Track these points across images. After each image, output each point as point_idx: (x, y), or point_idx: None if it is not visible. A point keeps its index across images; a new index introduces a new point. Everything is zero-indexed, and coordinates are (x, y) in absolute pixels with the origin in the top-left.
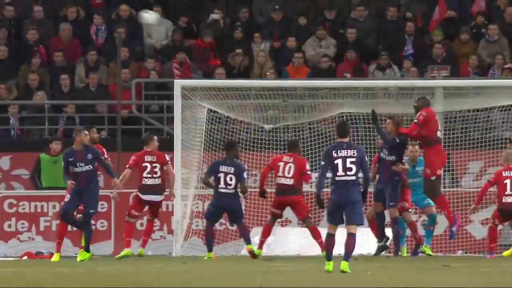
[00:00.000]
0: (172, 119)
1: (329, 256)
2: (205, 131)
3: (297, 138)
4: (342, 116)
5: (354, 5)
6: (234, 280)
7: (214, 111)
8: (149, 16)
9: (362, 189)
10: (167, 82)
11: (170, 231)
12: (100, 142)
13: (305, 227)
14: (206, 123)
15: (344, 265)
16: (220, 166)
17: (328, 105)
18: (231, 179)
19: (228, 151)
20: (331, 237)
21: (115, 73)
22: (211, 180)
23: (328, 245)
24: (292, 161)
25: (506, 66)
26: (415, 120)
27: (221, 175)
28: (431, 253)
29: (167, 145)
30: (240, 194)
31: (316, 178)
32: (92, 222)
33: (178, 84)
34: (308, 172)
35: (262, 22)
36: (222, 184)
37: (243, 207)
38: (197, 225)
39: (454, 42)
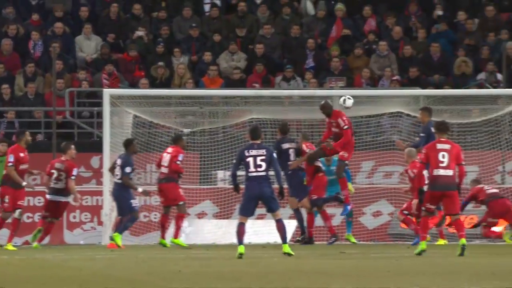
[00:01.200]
0: (101, 124)
1: (240, 241)
2: (130, 134)
3: (212, 140)
4: (252, 121)
5: (262, 23)
6: (157, 265)
7: (139, 117)
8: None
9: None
10: (97, 91)
11: (100, 223)
12: (37, 144)
13: (177, 213)
14: (131, 127)
15: (285, 247)
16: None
17: (240, 111)
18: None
19: (126, 147)
20: (242, 225)
21: (50, 83)
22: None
23: (239, 232)
24: (170, 152)
25: (394, 78)
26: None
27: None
28: (354, 240)
29: (96, 147)
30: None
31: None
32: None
33: (107, 93)
34: (178, 163)
35: (181, 38)
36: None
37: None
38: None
39: (349, 56)
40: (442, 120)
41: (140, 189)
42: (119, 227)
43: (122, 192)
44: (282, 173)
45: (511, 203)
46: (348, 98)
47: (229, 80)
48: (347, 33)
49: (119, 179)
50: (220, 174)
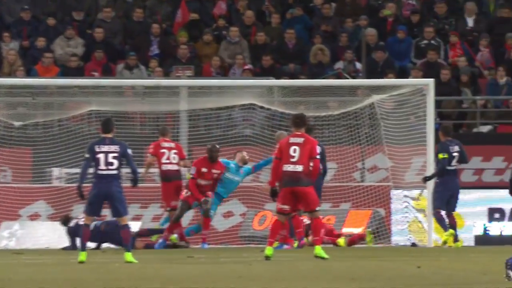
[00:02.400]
0: None
1: (83, 247)
2: None
3: (46, 135)
4: (91, 114)
5: (101, 6)
6: None
7: None
8: None
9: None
10: None
11: None
12: None
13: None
14: None
15: (127, 256)
16: None
17: (77, 103)
18: None
19: None
20: (86, 228)
21: None
22: None
23: (84, 235)
24: None
25: (246, 67)
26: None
27: None
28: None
29: None
30: None
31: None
32: None
33: None
34: None
35: (11, 22)
36: None
37: None
38: None
39: (198, 43)
40: (300, 113)
41: None
42: None
43: None
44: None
45: None
46: None
47: (66, 68)
48: (195, 18)
49: None
50: (56, 171)
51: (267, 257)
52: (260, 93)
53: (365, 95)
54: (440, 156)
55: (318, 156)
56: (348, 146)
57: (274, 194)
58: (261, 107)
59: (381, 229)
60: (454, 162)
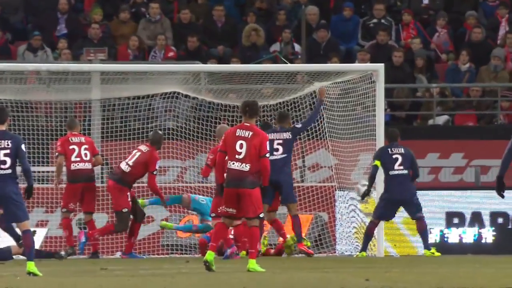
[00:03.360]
0: None
1: None
2: None
3: None
4: None
5: None
6: None
7: None
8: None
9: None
10: None
11: None
12: None
13: None
14: None
15: (30, 265)
16: None
17: None
18: None
19: None
20: None
21: None
22: None
23: None
24: None
25: (170, 53)
26: None
27: None
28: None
29: None
30: None
31: None
32: None
33: None
34: None
35: None
36: None
37: None
38: None
39: (112, 21)
40: (252, 100)
41: None
42: None
43: None
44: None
45: None
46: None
47: None
48: None
49: None
50: None
51: (207, 263)
52: (184, 80)
53: (306, 82)
54: (373, 163)
55: (267, 155)
56: None
57: (222, 191)
58: (186, 96)
59: (324, 236)
60: (397, 166)
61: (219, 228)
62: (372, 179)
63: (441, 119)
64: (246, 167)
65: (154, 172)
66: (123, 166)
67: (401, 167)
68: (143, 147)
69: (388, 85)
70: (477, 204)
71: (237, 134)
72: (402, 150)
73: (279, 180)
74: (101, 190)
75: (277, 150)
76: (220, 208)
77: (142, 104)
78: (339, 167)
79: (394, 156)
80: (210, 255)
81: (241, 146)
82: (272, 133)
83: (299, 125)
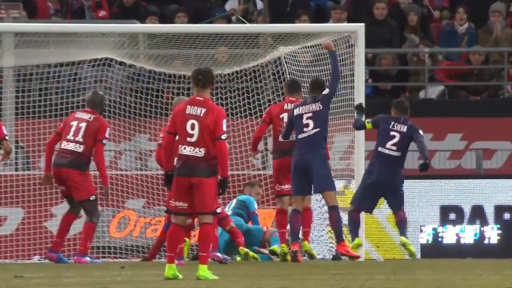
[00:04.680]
0: None
1: None
2: None
3: None
4: None
5: None
6: None
7: None
8: None
9: None
10: None
11: None
12: None
13: None
14: None
15: None
16: None
17: None
18: None
19: None
20: None
21: None
22: None
23: None
24: None
25: (101, 13)
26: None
27: None
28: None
29: None
30: None
31: None
32: None
33: None
34: None
35: None
36: None
37: None
38: None
39: None
40: (205, 68)
41: None
42: None
43: None
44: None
45: None
46: None
47: None
48: None
49: None
50: None
51: (168, 279)
52: (119, 44)
53: (269, 47)
54: (366, 121)
55: (223, 136)
56: (244, 119)
57: (169, 181)
58: (121, 64)
59: None
60: (389, 145)
61: (173, 231)
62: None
63: (434, 92)
64: (200, 152)
65: (104, 141)
66: (72, 146)
67: (394, 147)
68: (85, 115)
69: (369, 49)
70: (478, 196)
71: (187, 112)
72: (404, 129)
73: (311, 163)
74: (15, 181)
75: (307, 125)
76: (170, 203)
77: (66, 73)
78: None
79: (392, 133)
80: (170, 269)
81: (192, 126)
82: (299, 107)
83: (325, 91)
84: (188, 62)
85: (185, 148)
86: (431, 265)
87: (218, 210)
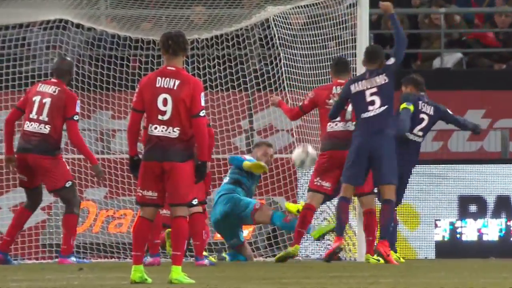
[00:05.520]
0: None
1: None
2: None
3: None
4: None
5: None
6: None
7: None
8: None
9: None
10: None
11: None
12: None
13: None
14: None
15: None
16: None
17: None
18: None
19: None
20: None
21: None
22: None
23: None
24: None
25: None
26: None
27: None
28: None
29: None
30: None
31: None
32: None
33: None
34: None
35: None
36: None
37: None
38: None
39: None
40: (176, 30)
41: None
42: None
43: None
44: None
45: None
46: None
47: None
48: None
49: None
50: None
51: (134, 283)
52: (75, 2)
53: (254, 7)
54: (403, 106)
55: (202, 113)
56: (225, 92)
57: (135, 168)
58: (78, 26)
59: (280, 231)
60: (417, 130)
61: (139, 226)
62: (403, 128)
63: (451, 60)
64: (174, 132)
65: (76, 117)
66: (36, 127)
67: (421, 133)
68: (49, 88)
69: (374, 9)
70: (504, 184)
71: (157, 85)
72: (432, 111)
73: (379, 149)
74: None
75: (372, 103)
76: (137, 193)
77: (13, 38)
78: (302, 130)
79: (421, 115)
80: (136, 271)
81: (164, 102)
82: (357, 82)
83: (390, 61)
84: (158, 25)
85: (155, 128)
86: (447, 266)
87: (194, 202)
